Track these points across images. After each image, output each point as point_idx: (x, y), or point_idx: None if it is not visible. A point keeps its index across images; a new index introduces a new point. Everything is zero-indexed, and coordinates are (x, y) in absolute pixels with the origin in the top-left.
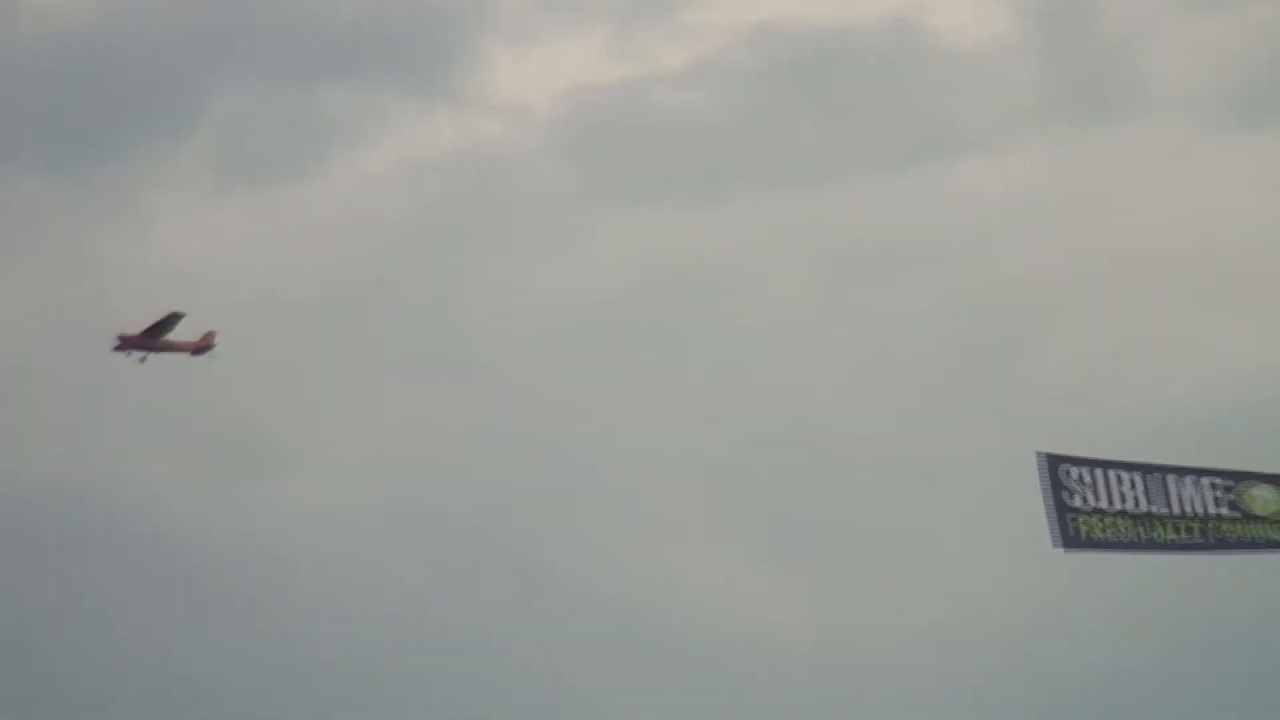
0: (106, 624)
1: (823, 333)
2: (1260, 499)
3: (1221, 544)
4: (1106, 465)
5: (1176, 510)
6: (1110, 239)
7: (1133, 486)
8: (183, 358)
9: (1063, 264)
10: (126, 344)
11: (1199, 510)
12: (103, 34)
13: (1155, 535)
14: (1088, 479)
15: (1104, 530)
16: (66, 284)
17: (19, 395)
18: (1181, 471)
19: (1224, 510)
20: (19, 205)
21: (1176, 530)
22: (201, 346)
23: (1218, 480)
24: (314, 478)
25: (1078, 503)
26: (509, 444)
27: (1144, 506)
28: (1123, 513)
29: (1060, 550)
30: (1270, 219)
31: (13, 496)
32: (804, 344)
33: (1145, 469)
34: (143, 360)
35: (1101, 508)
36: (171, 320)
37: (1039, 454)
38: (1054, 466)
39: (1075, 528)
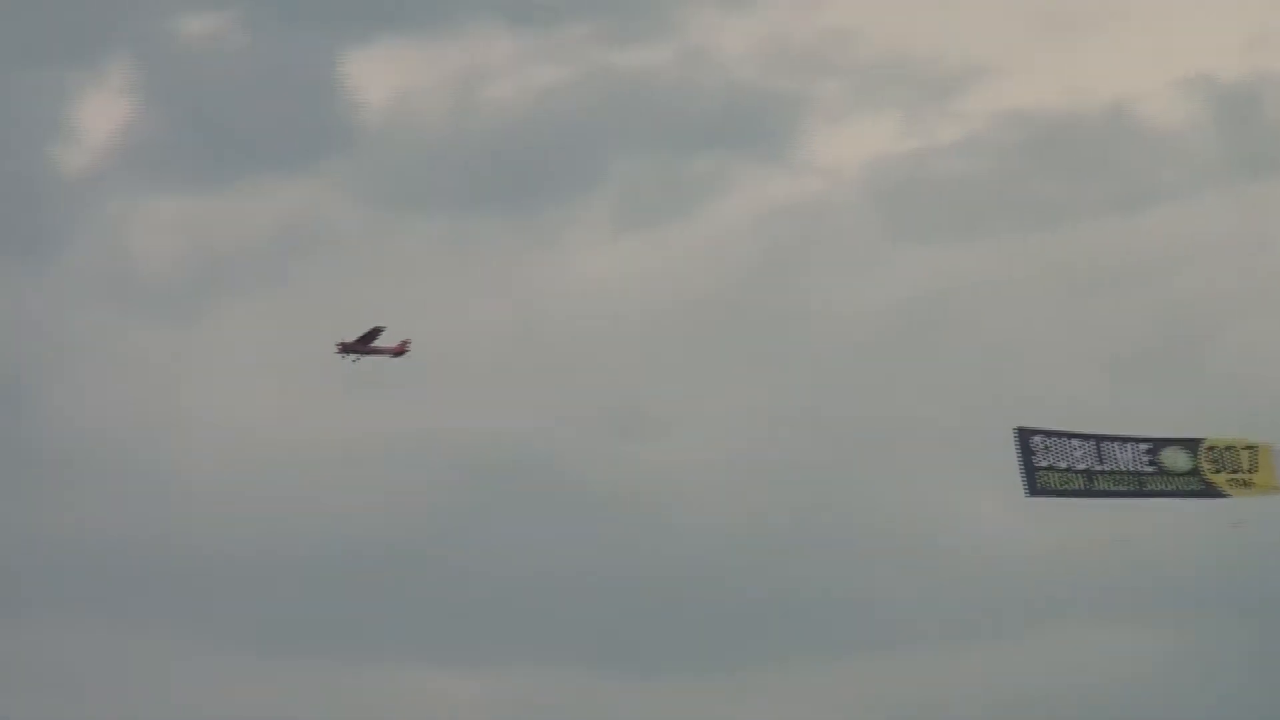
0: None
1: (1062, 334)
2: (1174, 459)
3: (1145, 493)
4: (1063, 435)
5: (1112, 468)
6: (1272, 264)
7: (1082, 451)
8: (385, 360)
9: (1235, 282)
10: (345, 349)
11: (1130, 468)
12: (538, 118)
13: (1097, 486)
14: (1050, 445)
15: (1060, 482)
16: (508, 300)
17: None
18: (1117, 439)
19: (1147, 468)
20: (474, 242)
21: (1113, 482)
22: (399, 351)
23: (1142, 446)
24: (694, 436)
25: (1042, 463)
26: (838, 411)
27: (1090, 465)
28: (1073, 470)
29: (1029, 497)
30: None
31: (490, 454)
32: (1048, 343)
33: (1091, 437)
34: (355, 362)
35: (1059, 466)
36: (375, 332)
37: (1015, 429)
38: (1025, 437)
39: (1040, 480)
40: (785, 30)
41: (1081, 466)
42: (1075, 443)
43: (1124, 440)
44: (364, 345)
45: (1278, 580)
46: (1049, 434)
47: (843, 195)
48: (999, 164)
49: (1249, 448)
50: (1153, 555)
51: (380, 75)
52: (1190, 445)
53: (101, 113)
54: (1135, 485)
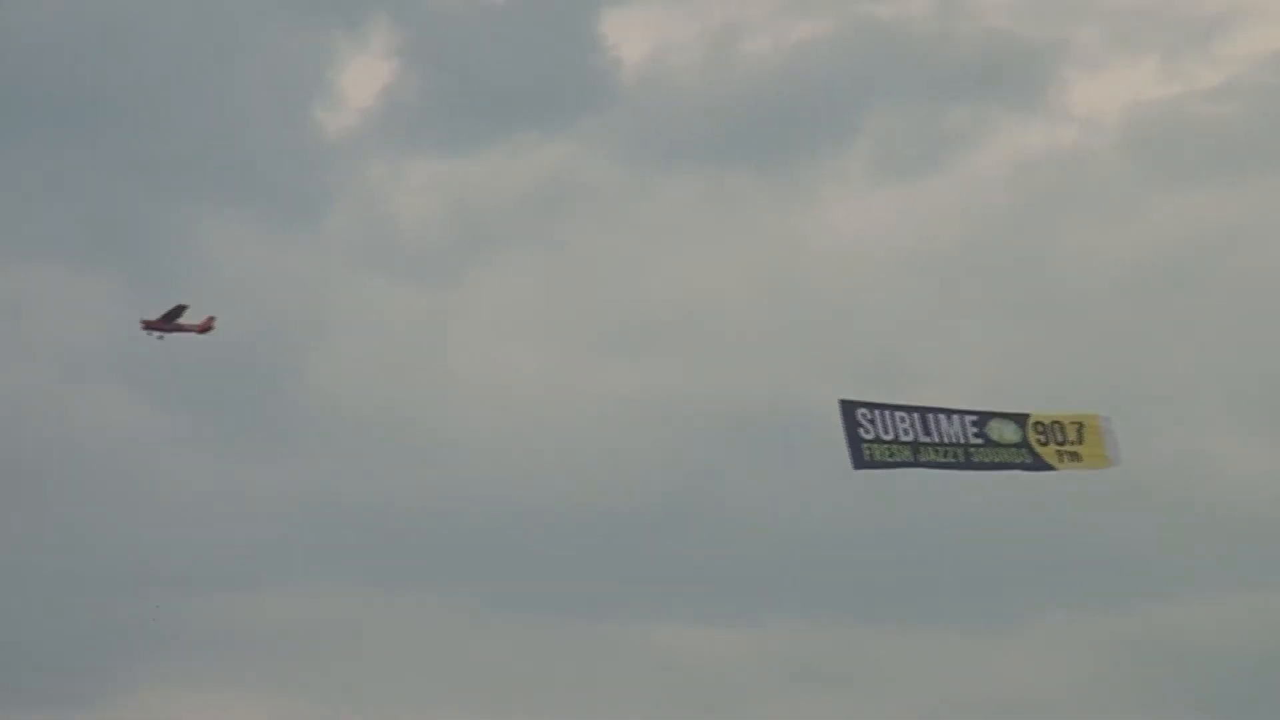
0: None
1: None
2: (1001, 431)
3: (972, 465)
4: (888, 407)
5: (939, 439)
6: None
7: (907, 423)
8: (191, 337)
9: None
10: (148, 326)
11: (956, 439)
12: (794, 71)
13: (923, 457)
14: (875, 417)
15: (886, 454)
16: (764, 252)
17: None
18: (943, 411)
19: (975, 440)
20: (730, 196)
21: (939, 454)
22: (205, 328)
23: (970, 418)
24: (951, 386)
25: (868, 435)
26: (1098, 359)
27: (916, 437)
28: (899, 441)
29: (854, 470)
30: None
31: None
32: None
33: (917, 409)
34: (160, 339)
35: (884, 438)
36: (179, 310)
37: (840, 401)
38: (850, 410)
39: (866, 453)
40: None
41: (907, 438)
42: (900, 415)
43: (950, 412)
44: (168, 323)
45: None
46: (874, 406)
47: (1100, 142)
48: (1259, 108)
49: (1076, 422)
50: None
51: (637, 32)
52: (1018, 418)
53: (363, 75)
54: (963, 457)
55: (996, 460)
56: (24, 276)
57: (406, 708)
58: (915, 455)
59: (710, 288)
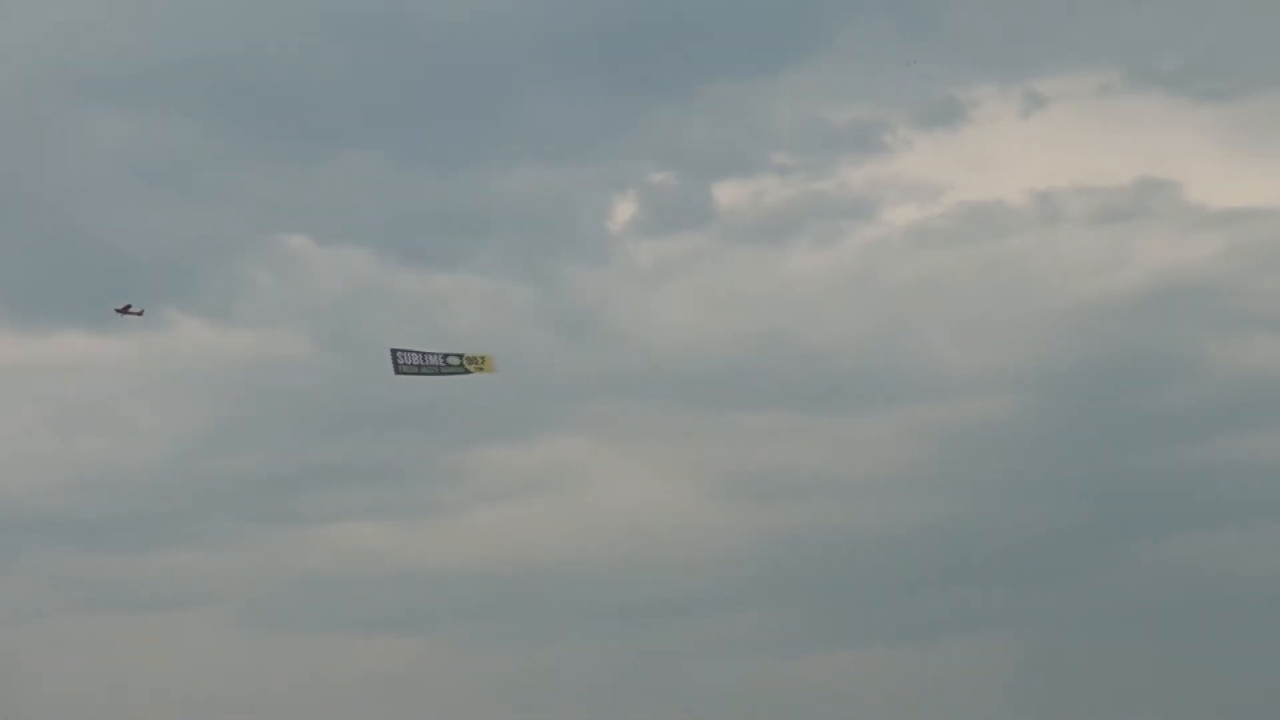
0: None
1: None
2: (454, 360)
3: (442, 374)
4: (408, 351)
5: (424, 364)
6: None
7: (416, 356)
8: (135, 317)
9: None
10: (119, 311)
11: (435, 364)
12: None
13: (424, 372)
14: (403, 355)
15: (408, 369)
16: None
17: None
18: (430, 352)
19: (442, 365)
20: None
21: (426, 370)
22: (140, 313)
23: (441, 355)
24: None
25: (401, 361)
26: None
27: (420, 363)
28: (412, 365)
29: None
30: None
31: None
32: None
33: (419, 352)
34: (123, 315)
35: (409, 363)
36: (128, 307)
37: (390, 349)
38: (394, 352)
39: (400, 368)
40: None
41: (416, 363)
42: (413, 354)
43: (432, 353)
44: (125, 310)
45: None
46: (404, 350)
47: None
48: None
49: (483, 356)
50: None
51: None
52: (460, 355)
53: None
54: (435, 371)
55: (447, 372)
56: None
57: None
58: (419, 369)
59: None
